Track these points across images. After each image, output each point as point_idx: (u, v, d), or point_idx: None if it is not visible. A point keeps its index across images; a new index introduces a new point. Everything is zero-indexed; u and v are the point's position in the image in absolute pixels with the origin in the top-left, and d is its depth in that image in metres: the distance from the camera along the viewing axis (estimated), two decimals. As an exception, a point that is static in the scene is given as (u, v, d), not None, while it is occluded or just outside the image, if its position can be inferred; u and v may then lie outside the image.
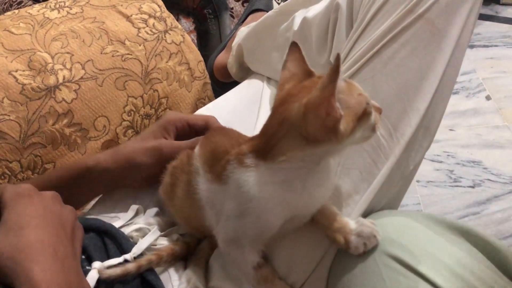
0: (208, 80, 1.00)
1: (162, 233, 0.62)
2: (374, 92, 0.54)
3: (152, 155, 0.64)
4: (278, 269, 0.54)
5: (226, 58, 1.07)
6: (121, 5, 0.93)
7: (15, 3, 1.16)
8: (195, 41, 1.33)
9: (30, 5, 1.10)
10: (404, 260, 0.47)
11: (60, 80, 0.80)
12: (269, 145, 0.46)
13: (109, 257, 0.57)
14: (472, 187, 1.26)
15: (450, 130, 1.45)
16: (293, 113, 0.45)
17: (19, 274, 0.43)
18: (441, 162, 1.35)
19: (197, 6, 1.28)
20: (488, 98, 1.57)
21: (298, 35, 0.83)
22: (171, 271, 0.59)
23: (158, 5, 0.97)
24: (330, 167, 0.50)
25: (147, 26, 0.92)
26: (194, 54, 0.97)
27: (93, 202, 0.74)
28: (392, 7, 0.60)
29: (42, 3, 0.92)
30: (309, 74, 0.49)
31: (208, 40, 1.29)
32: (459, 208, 1.21)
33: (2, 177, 0.75)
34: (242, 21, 1.15)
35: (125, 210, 0.67)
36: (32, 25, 0.84)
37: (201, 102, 0.99)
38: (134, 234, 0.62)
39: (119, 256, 0.56)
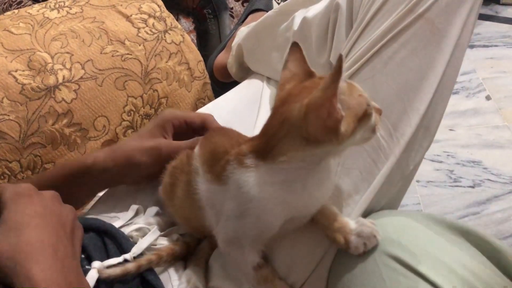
0: (208, 80, 1.00)
1: (162, 233, 0.62)
2: (374, 92, 0.54)
3: (151, 155, 0.64)
4: (278, 269, 0.53)
5: (226, 58, 1.07)
6: (121, 5, 0.93)
7: (15, 3, 1.16)
8: (195, 41, 1.33)
9: (30, 5, 1.10)
10: (404, 260, 0.47)
11: (60, 80, 0.80)
12: (270, 145, 0.46)
13: (108, 256, 0.57)
14: (472, 187, 1.26)
15: (450, 130, 1.45)
16: (294, 113, 0.45)
17: (19, 274, 0.43)
18: (441, 162, 1.35)
19: (197, 6, 1.28)
20: (488, 98, 1.57)
21: (298, 35, 0.83)
22: (171, 271, 0.59)
23: (158, 5, 0.97)
24: (330, 167, 0.50)
25: (147, 26, 0.92)
26: (193, 54, 0.97)
27: (93, 202, 0.74)
28: (392, 6, 0.60)
29: (41, 3, 0.92)
30: (310, 74, 0.49)
31: (208, 40, 1.29)
32: (459, 208, 1.21)
33: (2, 177, 0.75)
34: (242, 21, 1.15)
35: (125, 210, 0.67)
36: (31, 25, 0.84)
37: (201, 102, 0.99)
38: (134, 234, 0.62)
39: (119, 256, 0.56)
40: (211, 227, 0.53)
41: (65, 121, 0.80)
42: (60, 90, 0.79)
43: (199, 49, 1.00)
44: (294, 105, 0.45)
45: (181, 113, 0.68)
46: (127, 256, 0.56)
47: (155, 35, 0.92)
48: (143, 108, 0.89)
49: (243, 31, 1.03)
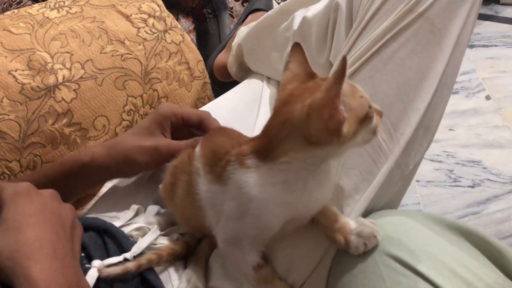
0: (208, 80, 1.00)
1: (162, 233, 0.62)
2: (373, 92, 0.54)
3: (150, 155, 0.64)
4: (278, 269, 0.53)
5: (226, 57, 1.07)
6: (121, 5, 0.93)
7: (15, 2, 1.15)
8: (195, 40, 1.33)
9: (30, 4, 1.10)
10: (404, 260, 0.47)
11: (60, 80, 0.80)
12: (271, 146, 0.46)
13: (109, 255, 0.57)
14: (472, 187, 1.26)
15: (450, 130, 1.45)
16: (295, 114, 0.45)
17: (18, 273, 0.43)
18: (440, 162, 1.35)
19: (197, 6, 1.28)
20: (488, 98, 1.57)
21: (298, 34, 0.83)
22: (171, 270, 0.59)
23: (158, 5, 0.97)
24: (330, 168, 0.50)
25: (147, 25, 0.92)
26: (193, 54, 0.97)
27: (93, 202, 0.74)
28: (392, 6, 0.60)
29: (41, 2, 0.92)
30: (311, 75, 0.49)
31: (208, 40, 1.29)
32: (459, 208, 1.21)
33: (2, 176, 0.75)
34: (242, 21, 1.15)
35: (125, 209, 0.67)
36: (31, 25, 0.84)
37: (200, 101, 0.99)
38: (134, 233, 0.62)
39: (119, 255, 0.56)
40: (211, 227, 0.53)
41: (65, 120, 0.80)
42: (60, 89, 0.79)
43: (199, 49, 1.00)
44: (296, 106, 0.45)
45: (178, 110, 0.68)
46: (127, 255, 0.56)
47: (155, 34, 0.92)
48: (143, 108, 0.89)
49: (243, 30, 1.03)
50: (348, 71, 0.60)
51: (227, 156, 0.49)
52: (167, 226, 0.64)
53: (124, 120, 0.86)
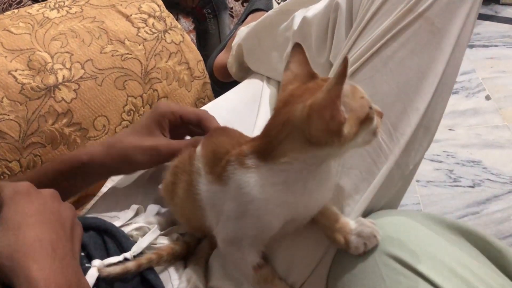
0: (208, 80, 1.00)
1: (162, 232, 0.62)
2: (373, 92, 0.54)
3: (149, 155, 0.64)
4: (278, 269, 0.53)
5: (226, 57, 1.07)
6: (121, 5, 0.93)
7: (15, 2, 1.15)
8: (195, 40, 1.33)
9: (30, 4, 1.10)
10: (404, 260, 0.47)
11: (60, 80, 0.80)
12: (271, 146, 0.46)
13: (109, 255, 0.57)
14: (472, 187, 1.27)
15: (450, 130, 1.45)
16: (296, 114, 0.45)
17: (17, 273, 0.43)
18: (440, 162, 1.35)
19: (197, 6, 1.28)
20: (487, 98, 1.57)
21: (298, 34, 0.83)
22: (171, 270, 0.59)
23: (158, 5, 0.97)
24: (330, 168, 0.50)
25: (147, 25, 0.92)
26: (193, 54, 0.97)
27: (93, 202, 0.74)
28: (392, 6, 0.60)
29: (41, 2, 0.92)
30: (312, 76, 0.49)
31: (208, 40, 1.29)
32: (459, 208, 1.21)
33: (2, 176, 0.75)
34: (242, 21, 1.15)
35: (126, 209, 0.67)
36: (31, 25, 0.84)
37: (200, 101, 0.99)
38: (134, 233, 0.62)
39: (119, 254, 0.56)
40: (212, 227, 0.53)
41: (65, 120, 0.80)
42: (60, 89, 0.79)
43: (199, 49, 1.00)
44: (296, 106, 0.45)
45: (177, 109, 0.67)
46: (127, 255, 0.56)
47: (155, 34, 0.92)
48: (143, 108, 0.89)
49: (243, 30, 1.03)
50: (348, 71, 0.60)
51: (227, 156, 0.49)
52: (167, 226, 0.64)
53: (124, 120, 0.86)
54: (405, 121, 0.56)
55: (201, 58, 0.99)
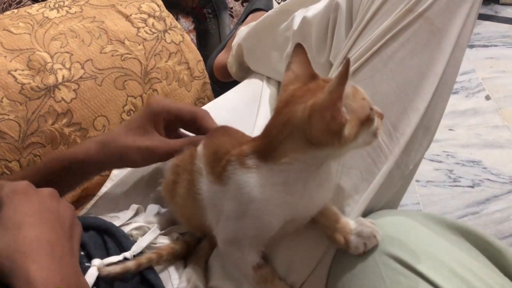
0: (208, 80, 1.00)
1: (162, 232, 0.62)
2: (373, 92, 0.54)
3: (144, 155, 0.64)
4: (277, 269, 0.53)
5: (226, 57, 1.07)
6: (121, 5, 0.93)
7: (15, 2, 1.15)
8: (195, 40, 1.33)
9: (29, 4, 1.10)
10: (404, 259, 0.47)
11: (60, 80, 0.80)
12: (271, 146, 0.46)
13: (108, 255, 0.57)
14: (472, 187, 1.27)
15: (450, 130, 1.45)
16: (297, 115, 0.45)
17: (16, 273, 0.43)
18: (440, 162, 1.35)
19: (197, 6, 1.28)
20: (487, 98, 1.57)
21: (298, 34, 0.83)
22: (171, 269, 0.59)
23: (158, 5, 0.97)
24: (331, 169, 0.50)
25: (147, 25, 0.92)
26: (193, 54, 0.97)
27: (93, 201, 0.74)
28: (392, 6, 0.60)
29: (41, 2, 0.92)
30: (313, 76, 0.49)
31: (208, 40, 1.29)
32: (459, 207, 1.21)
33: (1, 176, 0.75)
34: (242, 21, 1.15)
35: (125, 209, 0.67)
36: (31, 25, 0.84)
37: (200, 101, 0.99)
38: (134, 232, 0.62)
39: (119, 254, 0.56)
40: (212, 226, 0.53)
41: (64, 120, 0.80)
42: (59, 89, 0.79)
43: (199, 49, 1.00)
44: (297, 107, 0.45)
45: (171, 107, 0.66)
46: (127, 254, 0.56)
47: (155, 34, 0.92)
48: (143, 108, 0.89)
49: (243, 30, 1.03)
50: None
51: (228, 156, 0.49)
52: (167, 225, 0.64)
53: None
54: (405, 121, 0.56)
55: (201, 58, 0.99)
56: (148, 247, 0.59)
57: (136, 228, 0.62)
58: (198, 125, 0.65)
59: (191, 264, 0.59)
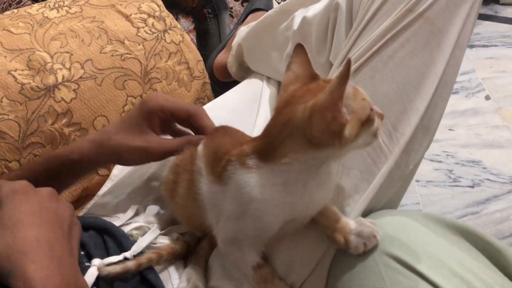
0: (208, 80, 1.00)
1: (162, 232, 0.62)
2: (373, 92, 0.54)
3: (140, 155, 0.64)
4: (277, 269, 0.53)
5: (226, 57, 1.07)
6: (121, 5, 0.93)
7: (14, 2, 1.15)
8: (195, 40, 1.33)
9: (29, 4, 1.10)
10: (404, 259, 0.47)
11: (59, 80, 0.80)
12: (272, 146, 0.46)
13: (108, 254, 0.57)
14: (472, 186, 1.27)
15: (450, 130, 1.45)
16: (297, 115, 0.45)
17: (15, 273, 0.43)
18: (440, 162, 1.35)
19: (197, 6, 1.28)
20: (487, 98, 1.57)
21: (298, 34, 0.83)
22: (171, 269, 0.59)
23: (158, 5, 0.97)
24: (331, 169, 0.50)
25: (147, 25, 0.92)
26: (193, 54, 0.97)
27: (93, 201, 0.74)
28: (392, 6, 0.60)
29: (41, 2, 0.92)
30: (313, 77, 0.49)
31: (208, 40, 1.29)
32: (459, 207, 1.21)
33: (0, 176, 0.75)
34: (242, 21, 1.15)
35: (125, 209, 0.67)
36: (31, 25, 0.84)
37: (200, 101, 0.99)
38: (134, 232, 0.62)
39: (119, 254, 0.56)
40: (212, 226, 0.53)
41: (64, 120, 0.80)
42: (59, 89, 0.79)
43: (199, 49, 1.00)
44: (298, 107, 0.45)
45: (167, 105, 0.65)
46: (127, 254, 0.56)
47: (155, 34, 0.92)
48: (143, 108, 0.88)
49: (243, 30, 1.03)
50: (349, 72, 0.60)
51: (228, 156, 0.49)
52: (167, 225, 0.64)
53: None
54: (405, 121, 0.56)
55: (200, 58, 0.99)
56: (148, 247, 0.59)
57: (136, 228, 0.62)
58: (193, 123, 0.64)
59: (191, 264, 0.59)
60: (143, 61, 0.89)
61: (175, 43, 0.94)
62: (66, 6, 0.90)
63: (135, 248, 0.57)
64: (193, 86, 0.96)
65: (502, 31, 1.91)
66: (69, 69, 0.81)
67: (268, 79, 0.95)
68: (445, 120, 1.30)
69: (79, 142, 0.67)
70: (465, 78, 1.66)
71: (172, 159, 0.62)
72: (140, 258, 0.56)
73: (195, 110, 0.64)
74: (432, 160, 1.35)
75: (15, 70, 0.77)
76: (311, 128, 0.44)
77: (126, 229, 0.62)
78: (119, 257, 0.55)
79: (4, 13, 0.87)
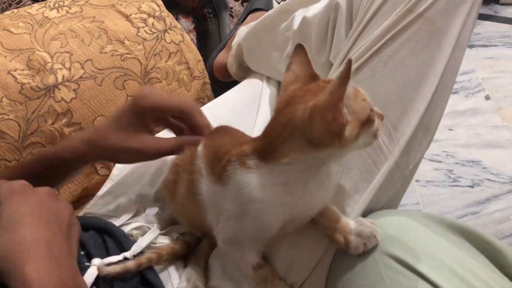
0: (207, 80, 1.00)
1: (162, 232, 0.62)
2: (373, 92, 0.54)
3: (134, 156, 0.64)
4: (277, 269, 0.53)
5: (226, 57, 1.07)
6: (121, 5, 0.93)
7: (14, 2, 1.15)
8: (195, 40, 1.33)
9: (29, 4, 1.10)
10: (404, 259, 0.47)
11: (59, 80, 0.80)
12: (272, 147, 0.46)
13: (108, 254, 0.57)
14: (471, 186, 1.27)
15: (450, 129, 1.45)
16: (298, 115, 0.44)
17: (12, 273, 0.42)
18: (440, 161, 1.35)
19: (197, 6, 1.28)
20: (487, 98, 1.57)
21: (298, 34, 0.83)
22: (171, 269, 0.59)
23: (158, 5, 0.97)
24: (331, 170, 0.50)
25: (147, 25, 0.92)
26: (193, 54, 0.97)
27: (92, 201, 0.74)
28: (392, 6, 0.60)
29: (41, 2, 0.92)
30: (313, 77, 0.49)
31: (208, 40, 1.29)
32: (458, 207, 1.21)
33: None
34: (242, 21, 1.15)
35: (125, 209, 0.67)
36: (31, 25, 0.84)
37: (200, 101, 0.99)
38: (134, 232, 0.62)
39: (118, 254, 0.56)
40: (212, 226, 0.53)
41: (64, 120, 0.80)
42: (59, 89, 0.79)
43: (199, 49, 1.00)
44: (298, 107, 0.45)
45: (159, 103, 0.63)
46: (127, 254, 0.56)
47: (155, 34, 0.92)
48: (143, 108, 0.88)
49: (243, 30, 1.03)
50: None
51: (228, 156, 0.49)
52: (167, 225, 0.64)
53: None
54: (405, 121, 0.56)
55: (200, 58, 0.99)
56: (148, 247, 0.59)
57: (136, 228, 0.62)
58: (187, 121, 0.64)
59: (191, 264, 0.59)
60: (143, 61, 0.89)
61: (175, 43, 0.94)
62: (66, 6, 0.90)
63: (135, 248, 0.57)
64: (193, 86, 0.96)
65: (502, 31, 1.91)
66: (69, 69, 0.81)
67: (268, 79, 0.95)
68: (445, 120, 1.30)
69: (71, 142, 0.66)
70: (465, 78, 1.66)
71: (172, 159, 0.62)
72: (140, 258, 0.56)
73: (188, 108, 0.63)
74: (432, 160, 1.35)
75: (15, 70, 0.77)
76: (311, 128, 0.44)
77: (126, 229, 0.62)
78: (119, 257, 0.55)
79: (4, 13, 0.87)
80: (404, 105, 0.57)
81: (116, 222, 0.63)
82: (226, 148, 0.51)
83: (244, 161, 0.47)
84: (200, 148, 0.56)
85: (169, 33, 0.94)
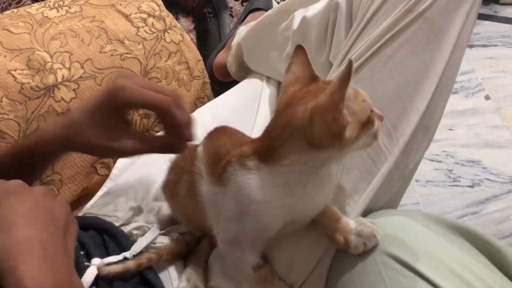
0: (207, 80, 1.00)
1: (162, 232, 0.62)
2: (373, 92, 0.54)
3: (112, 153, 0.66)
4: (277, 269, 0.53)
5: (225, 57, 1.07)
6: (120, 4, 0.93)
7: (14, 2, 1.15)
8: (195, 40, 1.33)
9: (29, 4, 1.10)
10: (403, 259, 0.47)
11: (59, 79, 0.80)
12: (272, 148, 0.46)
13: (108, 254, 0.57)
14: (471, 186, 1.27)
15: (449, 129, 1.45)
16: (298, 117, 0.44)
17: (6, 274, 0.42)
18: (440, 161, 1.35)
19: (197, 5, 1.28)
20: (487, 97, 1.57)
21: (298, 34, 0.83)
22: (171, 269, 0.59)
23: (157, 4, 0.97)
24: (331, 171, 0.50)
25: (146, 25, 0.92)
26: (193, 53, 0.97)
27: (92, 201, 0.74)
28: (392, 6, 0.60)
29: (41, 2, 0.92)
30: (313, 78, 0.49)
31: (208, 39, 1.29)
32: (458, 207, 1.21)
33: None
34: (241, 20, 1.15)
35: (125, 209, 0.67)
36: (31, 24, 0.84)
37: (200, 101, 0.99)
38: (134, 232, 0.62)
39: (118, 254, 0.56)
40: (212, 226, 0.53)
41: (64, 120, 0.79)
42: (59, 89, 0.79)
43: (199, 49, 1.00)
44: (298, 108, 0.45)
45: (134, 100, 0.59)
46: (127, 254, 0.56)
47: (155, 34, 0.92)
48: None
49: (242, 30, 1.03)
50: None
51: (228, 156, 0.49)
52: (166, 225, 0.64)
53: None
54: (404, 121, 0.56)
55: (200, 57, 0.99)
56: (148, 247, 0.59)
57: (136, 228, 0.62)
58: (163, 120, 0.60)
59: (191, 264, 0.59)
60: (143, 60, 0.89)
61: (175, 43, 0.94)
62: (66, 5, 0.90)
63: (135, 248, 0.57)
64: (193, 86, 0.96)
65: (502, 31, 1.91)
66: (69, 69, 0.81)
67: (268, 78, 0.95)
68: (445, 120, 1.30)
69: (45, 135, 0.62)
70: (465, 78, 1.66)
71: (172, 159, 0.62)
72: (140, 258, 0.56)
73: (164, 104, 0.58)
74: (432, 160, 1.35)
75: (15, 70, 0.77)
76: (311, 129, 0.44)
77: (126, 229, 0.62)
78: (119, 257, 0.55)
79: (4, 13, 0.87)
80: (404, 105, 0.57)
81: (116, 222, 0.63)
82: (226, 149, 0.51)
83: (244, 162, 0.47)
84: (200, 149, 0.56)
85: (169, 33, 0.94)
